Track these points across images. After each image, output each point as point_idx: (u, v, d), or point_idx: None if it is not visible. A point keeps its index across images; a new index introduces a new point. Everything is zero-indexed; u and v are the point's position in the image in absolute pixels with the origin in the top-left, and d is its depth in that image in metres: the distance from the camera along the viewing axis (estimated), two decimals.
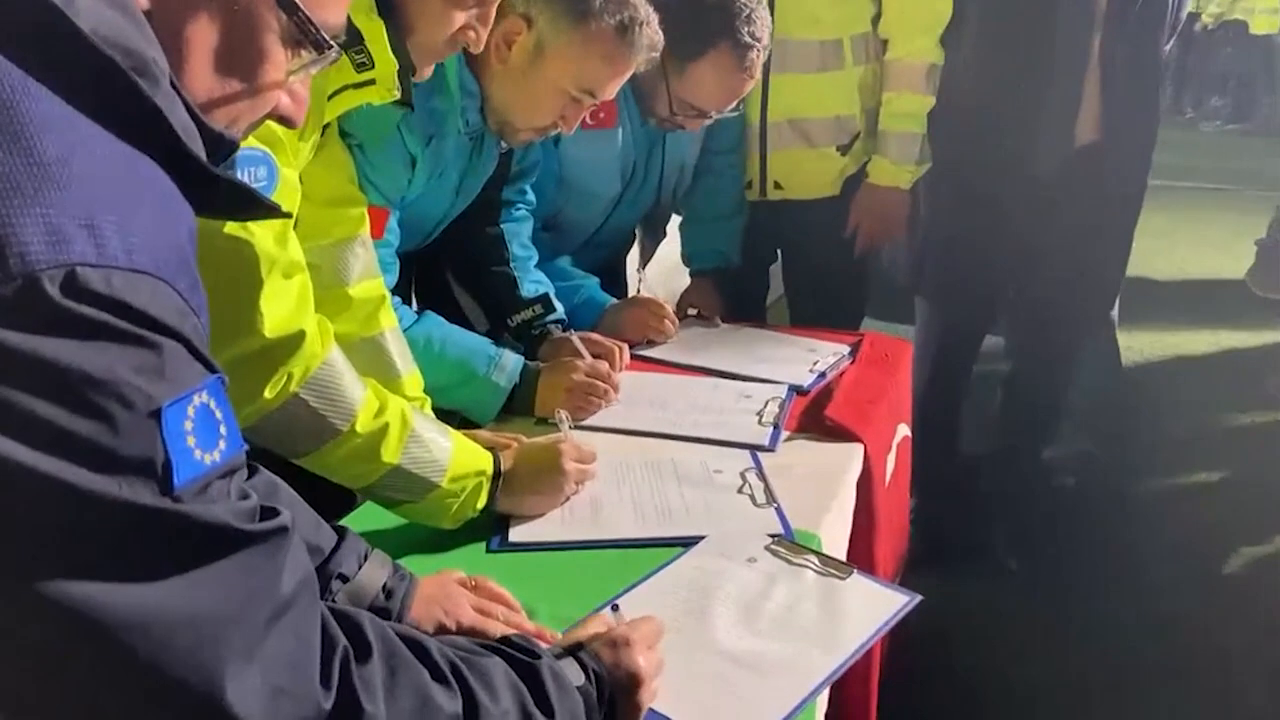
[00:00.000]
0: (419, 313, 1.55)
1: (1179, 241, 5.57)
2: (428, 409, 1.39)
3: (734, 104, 1.86)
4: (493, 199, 1.74)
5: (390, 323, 1.37)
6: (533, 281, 1.76)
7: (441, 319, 1.56)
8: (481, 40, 1.18)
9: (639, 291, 2.28)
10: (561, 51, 1.42)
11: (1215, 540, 2.70)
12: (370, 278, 1.35)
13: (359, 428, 1.10)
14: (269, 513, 0.59)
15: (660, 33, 1.50)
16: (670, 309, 1.91)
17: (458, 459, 1.18)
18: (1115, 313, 3.26)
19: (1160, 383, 3.79)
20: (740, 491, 1.34)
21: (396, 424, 1.13)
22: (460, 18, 1.14)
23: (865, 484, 1.53)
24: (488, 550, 1.21)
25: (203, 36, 0.60)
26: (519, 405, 1.54)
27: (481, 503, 1.20)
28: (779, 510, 1.30)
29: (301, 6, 0.63)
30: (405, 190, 1.48)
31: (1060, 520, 2.68)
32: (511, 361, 1.56)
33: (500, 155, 1.66)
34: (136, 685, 0.52)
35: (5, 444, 0.47)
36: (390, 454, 1.12)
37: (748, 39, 1.74)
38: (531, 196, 1.82)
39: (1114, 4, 2.12)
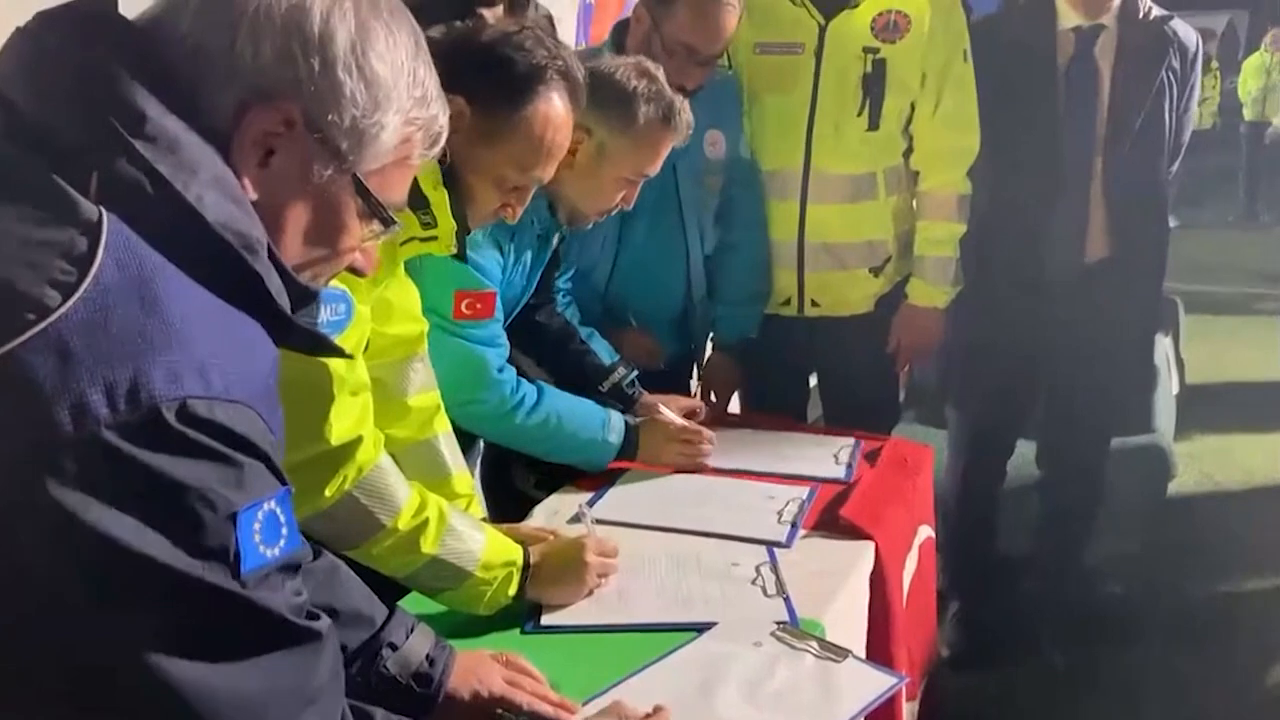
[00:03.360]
0: (538, 389, 1.75)
1: (1251, 347, 5.54)
2: (474, 507, 1.58)
3: (721, 47, 2.01)
4: (547, 285, 1.96)
5: (444, 428, 1.57)
6: (605, 351, 2.00)
7: (557, 392, 1.78)
8: (518, 214, 1.43)
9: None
10: (620, 149, 1.69)
11: (1267, 649, 2.68)
12: (428, 390, 1.56)
13: (401, 524, 1.27)
14: (314, 615, 0.74)
15: (690, 112, 1.75)
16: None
17: (490, 551, 1.34)
18: (1164, 418, 3.31)
19: (1224, 489, 3.77)
20: (754, 583, 1.48)
21: (435, 519, 1.30)
22: (500, 200, 1.40)
23: (879, 581, 1.64)
24: (522, 632, 1.36)
25: (298, 215, 0.79)
26: (623, 454, 1.81)
27: (513, 591, 1.35)
28: (787, 600, 1.43)
29: (373, 194, 0.82)
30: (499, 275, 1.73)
31: (1107, 620, 2.70)
32: (617, 420, 1.81)
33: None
34: None
35: (120, 530, 0.61)
36: (429, 545, 1.29)
37: None
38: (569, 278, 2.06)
39: (1112, 130, 2.30)
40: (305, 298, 0.81)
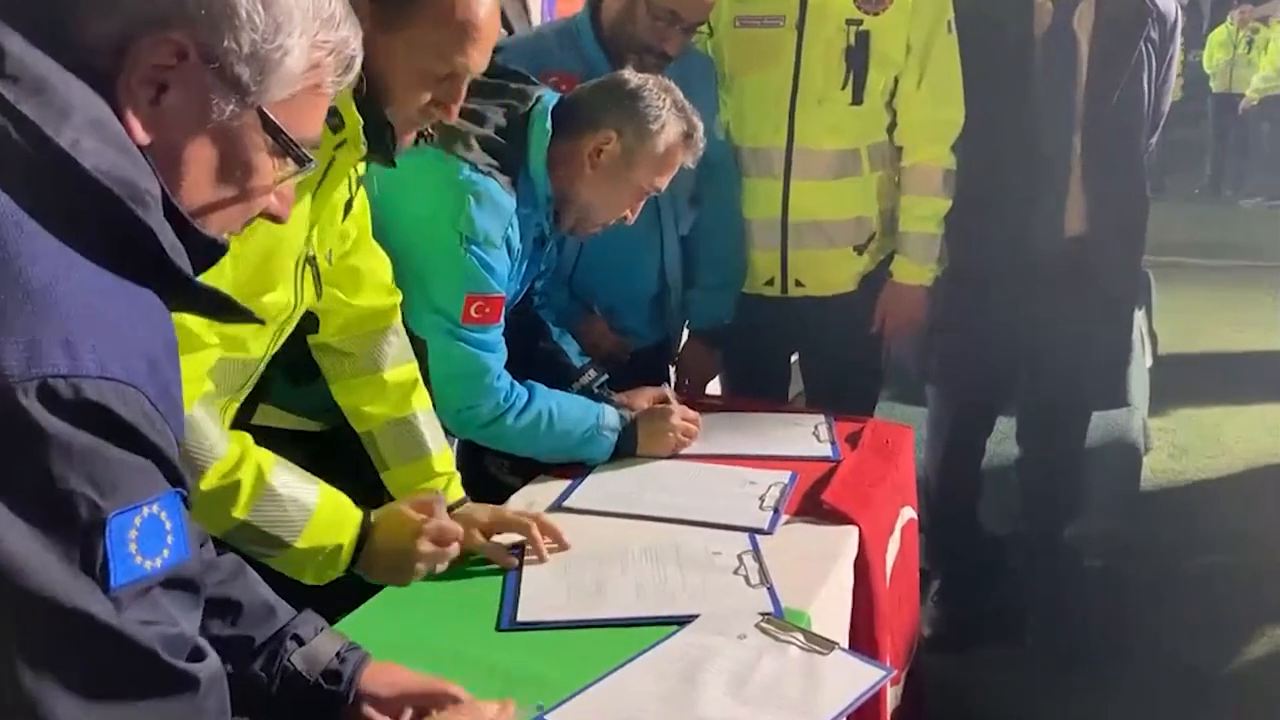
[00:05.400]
0: (529, 389, 1.72)
1: (1219, 319, 5.58)
2: (454, 486, 1.53)
3: (705, 13, 2.01)
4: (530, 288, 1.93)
5: (423, 404, 1.52)
6: (575, 352, 1.96)
7: (547, 391, 1.75)
8: (452, 115, 1.26)
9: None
10: (644, 155, 1.69)
11: (1248, 620, 2.69)
12: (404, 363, 1.50)
13: (203, 484, 1.17)
14: (198, 655, 0.65)
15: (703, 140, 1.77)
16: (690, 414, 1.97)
17: (317, 524, 1.25)
18: (1139, 392, 3.32)
19: (1197, 461, 3.79)
20: (736, 573, 1.44)
21: (249, 482, 1.20)
22: (427, 95, 1.23)
23: (863, 566, 1.61)
24: (497, 629, 1.31)
25: (200, 156, 0.71)
26: (621, 448, 1.79)
27: (343, 565, 1.28)
28: (771, 590, 1.39)
29: (283, 129, 0.74)
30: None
31: (1089, 600, 2.70)
32: (610, 415, 1.79)
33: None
34: None
35: None
36: (240, 510, 1.20)
37: None
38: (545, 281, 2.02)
39: (1089, 107, 2.27)
40: (212, 251, 0.73)
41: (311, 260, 1.32)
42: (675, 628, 1.29)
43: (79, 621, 0.57)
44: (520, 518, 1.49)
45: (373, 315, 1.47)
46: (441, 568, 1.35)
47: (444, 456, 1.54)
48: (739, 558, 1.47)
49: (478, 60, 1.24)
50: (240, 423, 1.39)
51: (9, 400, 0.55)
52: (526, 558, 1.45)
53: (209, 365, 1.20)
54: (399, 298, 1.51)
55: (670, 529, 1.57)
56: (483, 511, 1.50)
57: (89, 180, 0.62)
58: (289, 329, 1.36)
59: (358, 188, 1.39)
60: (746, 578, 1.42)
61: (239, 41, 0.69)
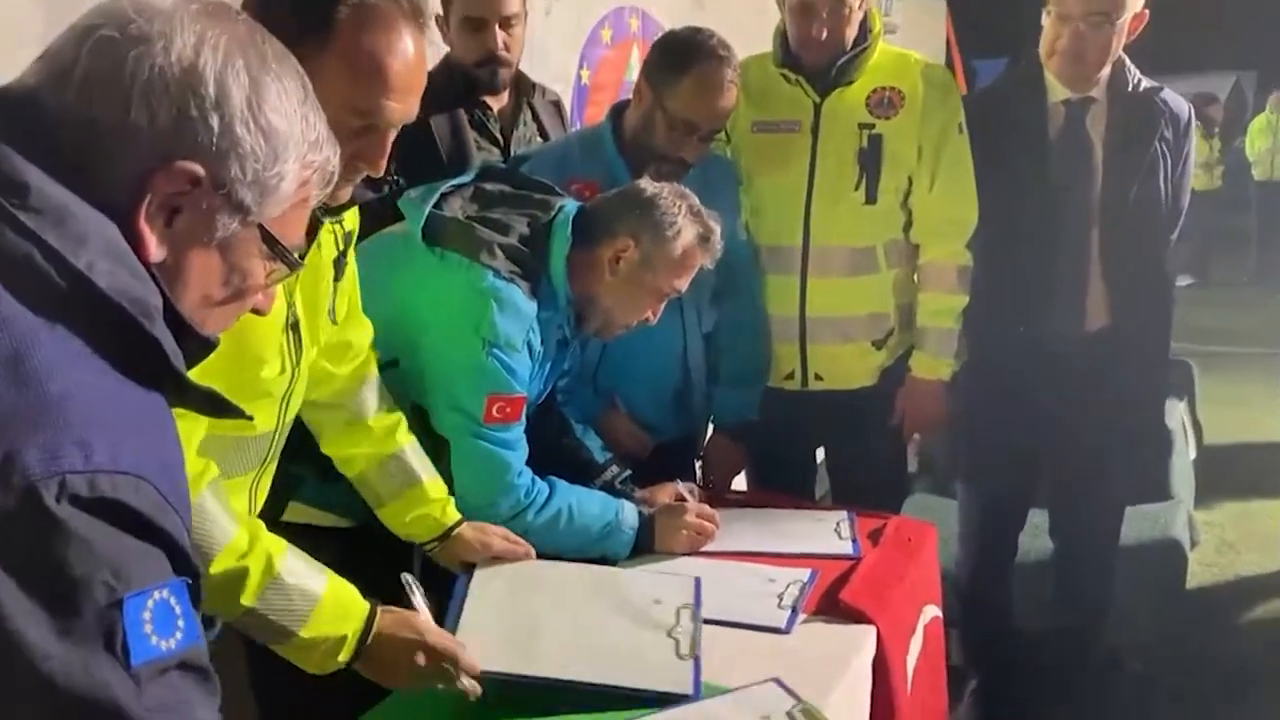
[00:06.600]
0: (550, 485, 1.76)
1: (1267, 409, 5.46)
2: (449, 510, 1.62)
3: (723, 122, 2.07)
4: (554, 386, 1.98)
5: (408, 440, 1.62)
6: (597, 448, 2.00)
7: (567, 487, 1.79)
8: (379, 168, 1.20)
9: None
10: (662, 260, 1.76)
11: None
12: (386, 410, 1.61)
13: (213, 568, 1.18)
14: None
15: (721, 241, 1.84)
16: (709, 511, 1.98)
17: (322, 613, 1.25)
18: (1183, 484, 3.25)
19: (1246, 557, 3.68)
20: (670, 634, 1.48)
21: (258, 570, 1.21)
22: (347, 146, 1.07)
23: (882, 667, 1.60)
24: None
25: (204, 267, 0.79)
26: (640, 542, 1.81)
27: (343, 658, 1.27)
28: (696, 661, 1.42)
29: (279, 240, 0.83)
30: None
31: (1128, 702, 2.62)
32: (629, 511, 1.82)
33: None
34: None
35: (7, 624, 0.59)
36: (248, 597, 1.21)
37: (723, 53, 2.03)
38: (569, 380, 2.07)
39: (1105, 206, 2.29)
40: (207, 348, 0.81)
41: (295, 326, 1.35)
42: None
43: (102, 708, 0.61)
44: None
45: (355, 376, 1.57)
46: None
47: (436, 484, 1.62)
48: (677, 613, 1.51)
49: (397, 112, 1.17)
50: (270, 520, 1.43)
51: (33, 498, 0.61)
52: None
53: (199, 437, 1.22)
54: (374, 356, 1.61)
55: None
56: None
57: (103, 298, 0.70)
58: (295, 401, 1.40)
59: (346, 245, 1.42)
60: (677, 646, 1.45)
61: (244, 170, 0.78)
